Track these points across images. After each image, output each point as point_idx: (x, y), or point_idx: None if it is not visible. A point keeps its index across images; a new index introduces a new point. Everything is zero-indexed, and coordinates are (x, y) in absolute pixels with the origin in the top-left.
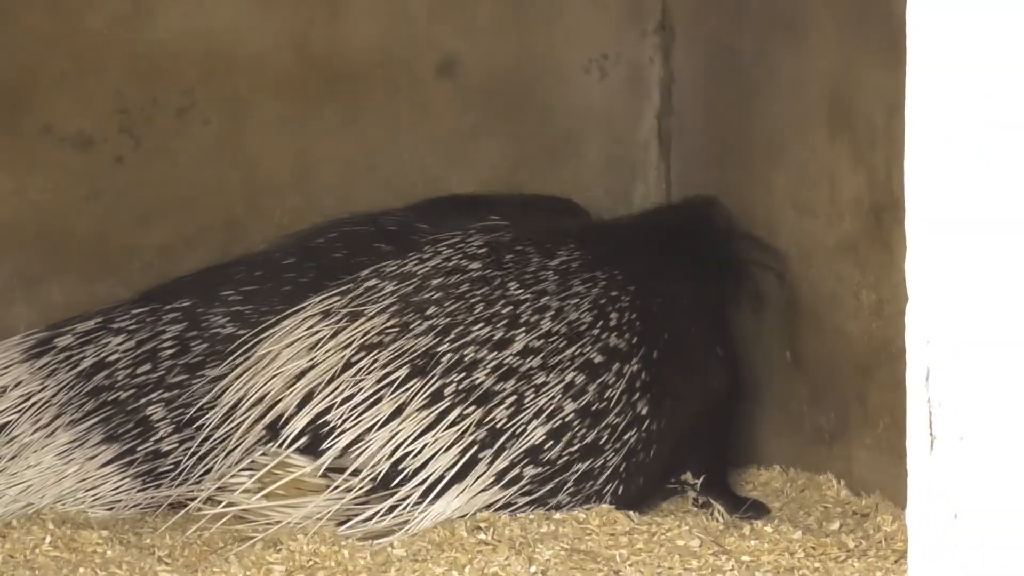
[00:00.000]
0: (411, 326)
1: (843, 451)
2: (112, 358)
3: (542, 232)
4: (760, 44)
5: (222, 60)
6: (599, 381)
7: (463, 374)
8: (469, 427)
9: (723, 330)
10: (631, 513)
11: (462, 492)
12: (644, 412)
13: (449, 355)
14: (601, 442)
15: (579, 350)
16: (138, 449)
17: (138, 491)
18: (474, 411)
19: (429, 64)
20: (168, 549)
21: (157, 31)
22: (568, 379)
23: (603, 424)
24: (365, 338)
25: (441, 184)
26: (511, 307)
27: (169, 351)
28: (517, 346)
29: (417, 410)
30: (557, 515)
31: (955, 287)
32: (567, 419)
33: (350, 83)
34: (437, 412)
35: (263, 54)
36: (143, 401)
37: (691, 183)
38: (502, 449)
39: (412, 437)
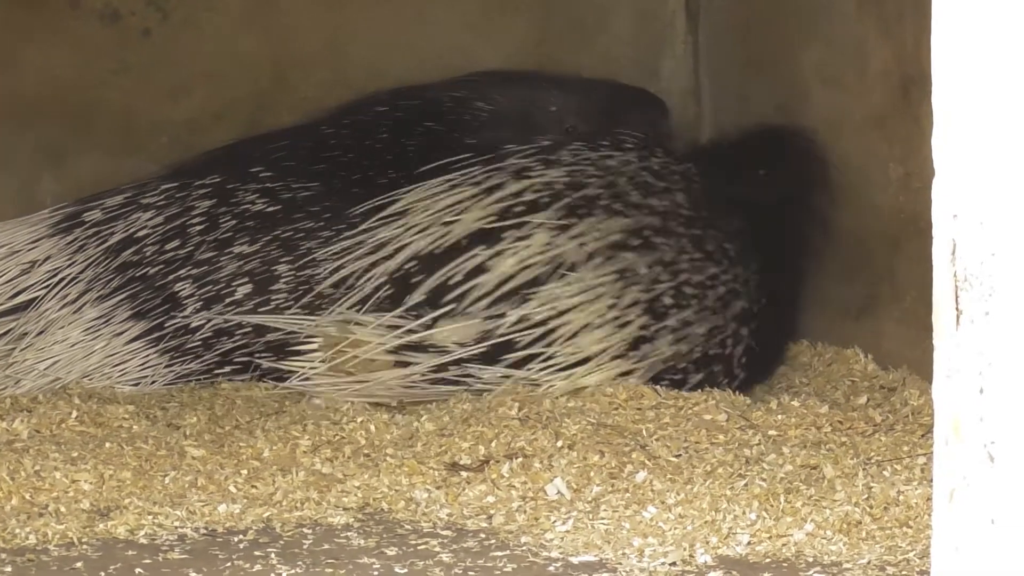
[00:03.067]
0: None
1: (871, 325)
2: (140, 234)
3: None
4: None
5: None
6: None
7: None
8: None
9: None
10: (658, 388)
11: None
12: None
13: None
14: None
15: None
16: (166, 325)
17: (166, 366)
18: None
19: None
20: (194, 424)
21: None
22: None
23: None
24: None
25: (470, 58)
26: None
27: (198, 227)
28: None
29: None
30: (585, 390)
31: (982, 161)
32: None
33: None
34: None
35: None
36: (171, 278)
37: (719, 57)
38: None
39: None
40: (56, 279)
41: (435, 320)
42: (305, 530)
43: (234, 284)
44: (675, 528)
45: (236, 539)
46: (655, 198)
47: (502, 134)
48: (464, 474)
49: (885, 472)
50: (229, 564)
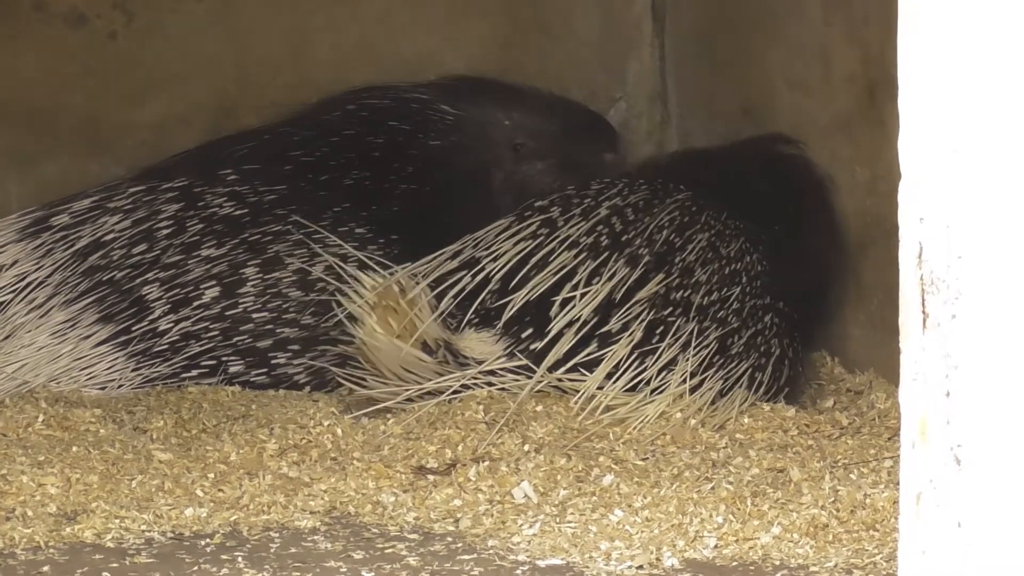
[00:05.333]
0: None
1: (837, 328)
2: (108, 238)
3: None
4: None
5: None
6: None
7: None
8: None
9: None
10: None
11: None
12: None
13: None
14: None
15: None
16: (133, 329)
17: (133, 370)
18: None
19: None
20: (161, 428)
21: None
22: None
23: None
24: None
25: (434, 62)
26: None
27: (165, 231)
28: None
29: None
30: (551, 395)
31: (949, 165)
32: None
33: None
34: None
35: None
36: (138, 281)
37: (685, 61)
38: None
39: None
40: (23, 283)
41: (463, 326)
42: (272, 534)
43: (202, 287)
44: (642, 531)
45: (203, 543)
46: (729, 287)
47: (462, 139)
48: (431, 477)
49: (852, 475)
50: (196, 568)
